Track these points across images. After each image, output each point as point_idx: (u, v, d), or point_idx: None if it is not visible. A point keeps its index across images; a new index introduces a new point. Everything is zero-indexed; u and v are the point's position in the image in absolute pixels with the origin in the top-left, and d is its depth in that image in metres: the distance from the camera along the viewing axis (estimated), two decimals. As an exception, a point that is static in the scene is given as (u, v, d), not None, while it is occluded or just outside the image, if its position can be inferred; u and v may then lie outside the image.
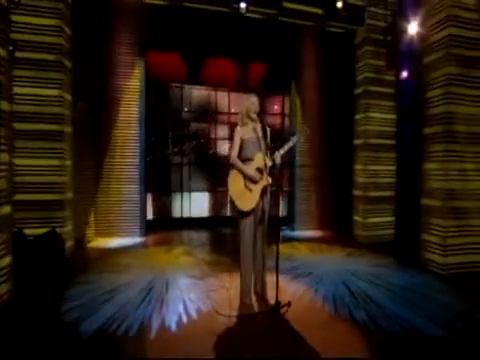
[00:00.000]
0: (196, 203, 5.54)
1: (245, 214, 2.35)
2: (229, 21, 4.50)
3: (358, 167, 4.62)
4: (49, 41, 3.30)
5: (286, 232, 5.15)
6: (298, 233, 5.05)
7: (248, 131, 2.44)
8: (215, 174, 5.57)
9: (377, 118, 4.46)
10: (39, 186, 3.28)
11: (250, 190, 2.35)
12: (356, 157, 4.66)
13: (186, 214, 5.47)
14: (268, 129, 2.46)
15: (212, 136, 5.66)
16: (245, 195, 2.34)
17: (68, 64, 3.57)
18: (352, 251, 3.94)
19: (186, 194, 5.51)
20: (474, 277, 3.05)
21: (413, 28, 3.76)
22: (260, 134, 2.41)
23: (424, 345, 1.84)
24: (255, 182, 2.36)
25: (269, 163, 2.35)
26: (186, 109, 5.48)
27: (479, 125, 3.22)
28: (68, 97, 3.58)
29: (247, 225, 2.36)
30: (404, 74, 3.95)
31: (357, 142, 4.65)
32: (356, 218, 4.64)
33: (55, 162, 3.37)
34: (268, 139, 2.42)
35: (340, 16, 3.87)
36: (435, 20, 3.27)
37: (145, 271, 3.08)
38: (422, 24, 3.52)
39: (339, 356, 1.71)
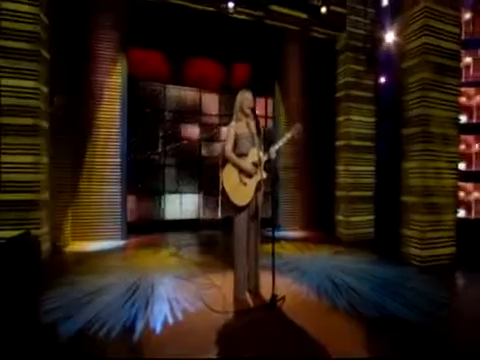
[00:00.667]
0: (180, 205, 5.42)
1: (239, 209, 2.34)
2: (214, 21, 4.51)
3: (340, 168, 4.79)
4: (25, 29, 3.08)
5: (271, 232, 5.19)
6: (283, 233, 5.11)
7: (242, 127, 2.44)
8: (198, 176, 5.50)
9: (357, 121, 4.67)
10: (13, 185, 3.02)
11: (245, 184, 2.34)
12: (338, 158, 4.83)
13: (170, 216, 5.32)
14: (262, 124, 2.47)
15: (195, 137, 5.59)
16: (240, 189, 2.33)
17: (45, 55, 3.36)
18: (336, 249, 4.06)
19: (170, 196, 5.37)
20: (448, 268, 3.28)
21: (390, 36, 4.01)
22: (254, 130, 2.42)
23: (401, 329, 1.96)
24: (250, 177, 2.35)
25: (264, 158, 2.36)
26: (169, 109, 5.36)
27: (450, 128, 3.50)
28: (45, 90, 3.36)
29: (241, 220, 2.35)
30: (382, 79, 4.19)
31: (339, 144, 4.83)
32: (339, 217, 4.79)
33: (30, 159, 3.12)
34: (262, 134, 2.44)
35: (324, 21, 4.03)
36: (412, 29, 3.52)
37: (129, 273, 2.93)
38: (399, 32, 3.77)
39: (335, 343, 1.75)
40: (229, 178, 2.37)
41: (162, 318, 2.03)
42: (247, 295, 2.39)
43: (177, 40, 4.82)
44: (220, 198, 5.59)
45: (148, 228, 4.94)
